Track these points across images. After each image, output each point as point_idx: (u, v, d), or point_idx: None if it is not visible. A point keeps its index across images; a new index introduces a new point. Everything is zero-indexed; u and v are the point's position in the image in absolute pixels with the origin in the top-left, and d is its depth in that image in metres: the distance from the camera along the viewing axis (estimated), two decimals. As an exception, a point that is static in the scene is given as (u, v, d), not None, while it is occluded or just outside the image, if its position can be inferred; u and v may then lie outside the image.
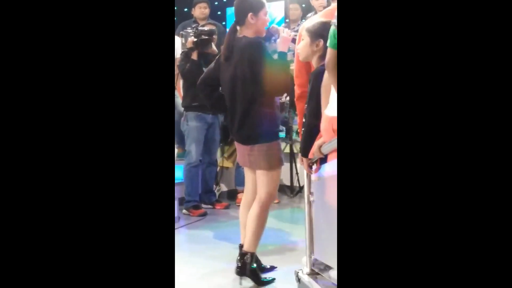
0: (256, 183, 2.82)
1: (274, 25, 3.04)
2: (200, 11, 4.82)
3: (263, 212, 2.77)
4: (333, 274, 2.26)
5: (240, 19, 2.75)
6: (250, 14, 2.70)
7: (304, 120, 2.52)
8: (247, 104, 2.69)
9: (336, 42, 2.02)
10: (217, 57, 2.94)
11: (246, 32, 2.75)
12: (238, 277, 2.91)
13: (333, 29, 2.06)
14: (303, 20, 5.44)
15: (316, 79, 2.46)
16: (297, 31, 5.17)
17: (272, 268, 2.99)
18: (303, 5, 6.10)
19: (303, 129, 2.55)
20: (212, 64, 2.93)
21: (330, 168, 2.38)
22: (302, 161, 2.58)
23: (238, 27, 2.78)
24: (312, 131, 2.45)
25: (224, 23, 6.21)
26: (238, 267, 2.78)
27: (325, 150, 2.28)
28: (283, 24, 5.01)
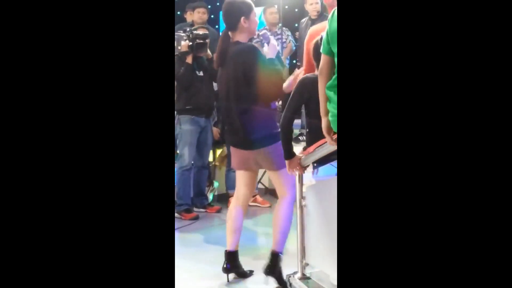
0: (274, 185, 2.84)
1: (266, 31, 3.05)
2: (198, 16, 4.82)
3: (290, 210, 2.77)
4: (333, 279, 2.26)
5: (232, 25, 2.73)
6: (242, 18, 2.70)
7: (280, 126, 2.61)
8: (246, 110, 2.69)
9: (329, 48, 2.03)
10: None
11: (239, 37, 2.74)
12: (225, 281, 2.91)
13: (325, 35, 2.06)
14: (280, 24, 5.48)
15: (300, 87, 2.55)
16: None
17: (251, 273, 3.01)
18: (296, 10, 6.12)
19: (281, 135, 2.61)
20: None
21: (325, 172, 2.39)
22: (289, 166, 2.60)
23: (230, 33, 2.77)
24: (286, 135, 2.58)
25: (217, 26, 6.22)
26: (268, 266, 2.77)
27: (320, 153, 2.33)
28: (264, 29, 5.01)
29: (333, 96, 2.01)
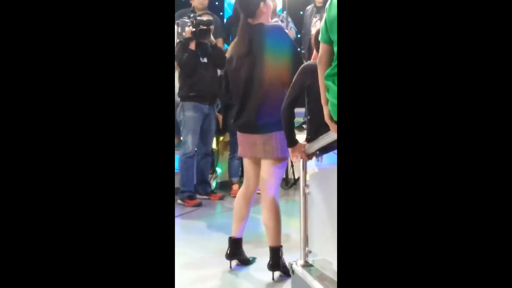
0: (262, 175, 2.80)
1: (276, 18, 3.04)
2: (198, 1, 4.80)
3: (276, 204, 2.78)
4: (335, 267, 2.26)
5: (252, 11, 2.71)
6: (261, 4, 2.69)
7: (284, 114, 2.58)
8: (263, 93, 2.67)
9: (328, 36, 2.01)
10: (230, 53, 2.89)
11: (259, 20, 2.72)
12: (228, 268, 2.93)
13: (323, 23, 2.04)
14: (284, 12, 5.47)
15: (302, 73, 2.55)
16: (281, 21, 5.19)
17: (253, 260, 3.03)
18: (302, -3, 6.08)
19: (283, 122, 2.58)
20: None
21: (329, 160, 2.39)
22: (293, 153, 2.59)
23: (249, 20, 2.74)
24: (287, 122, 2.55)
25: (221, 13, 6.19)
26: (271, 263, 2.79)
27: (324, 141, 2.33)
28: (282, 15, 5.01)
29: (331, 85, 1.99)
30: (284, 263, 2.80)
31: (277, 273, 2.80)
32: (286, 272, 2.77)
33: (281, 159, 2.74)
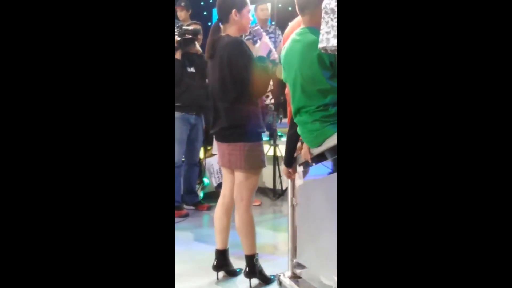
0: (235, 183, 2.80)
1: (259, 27, 3.01)
2: (178, 14, 4.83)
3: (249, 214, 2.77)
4: (323, 278, 2.26)
5: (224, 17, 2.73)
6: (234, 11, 2.69)
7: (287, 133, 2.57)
8: (229, 104, 2.68)
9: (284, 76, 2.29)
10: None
11: (229, 31, 2.73)
12: (214, 279, 2.91)
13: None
14: (273, 23, 5.49)
15: None
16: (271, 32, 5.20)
17: (240, 271, 3.00)
18: (290, 8, 6.12)
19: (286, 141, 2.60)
20: None
21: (316, 171, 2.39)
22: (286, 171, 2.59)
23: (221, 26, 2.76)
24: (292, 144, 2.57)
25: (209, 23, 6.21)
26: (246, 270, 2.80)
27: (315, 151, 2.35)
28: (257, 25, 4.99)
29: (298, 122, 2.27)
30: (261, 270, 2.81)
31: (255, 281, 2.81)
32: (263, 279, 2.79)
33: (252, 169, 2.74)
